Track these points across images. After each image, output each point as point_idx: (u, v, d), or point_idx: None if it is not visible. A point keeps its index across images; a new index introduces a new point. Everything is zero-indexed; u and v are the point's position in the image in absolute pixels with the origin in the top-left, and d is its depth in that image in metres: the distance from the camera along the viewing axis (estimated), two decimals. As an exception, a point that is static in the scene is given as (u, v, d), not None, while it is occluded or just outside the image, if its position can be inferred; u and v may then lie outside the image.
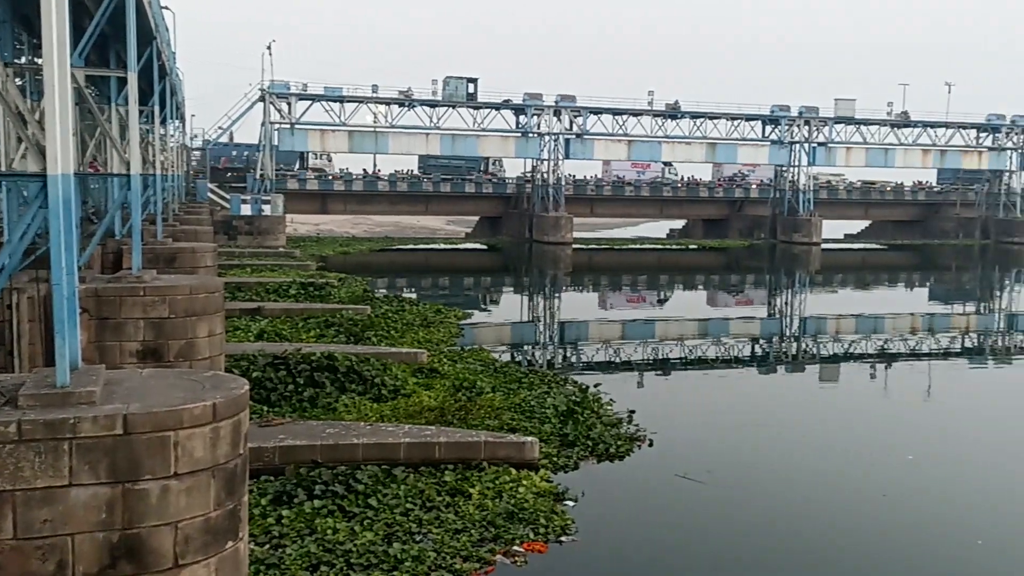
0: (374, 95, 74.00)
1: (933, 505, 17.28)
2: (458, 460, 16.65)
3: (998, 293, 60.53)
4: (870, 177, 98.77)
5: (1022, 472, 19.83)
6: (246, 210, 63.10)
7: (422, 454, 16.63)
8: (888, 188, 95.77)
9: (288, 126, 71.74)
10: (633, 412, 21.48)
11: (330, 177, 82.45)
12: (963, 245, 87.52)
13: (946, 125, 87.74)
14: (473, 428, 18.50)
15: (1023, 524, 16.69)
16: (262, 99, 69.90)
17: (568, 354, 33.18)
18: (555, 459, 17.80)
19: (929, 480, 18.78)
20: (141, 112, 23.79)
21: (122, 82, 22.90)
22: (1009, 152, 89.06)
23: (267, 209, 63.75)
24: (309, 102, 72.53)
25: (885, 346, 36.03)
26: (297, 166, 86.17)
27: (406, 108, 74.87)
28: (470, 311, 40.62)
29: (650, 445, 19.50)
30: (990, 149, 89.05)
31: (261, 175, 69.65)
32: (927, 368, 32.17)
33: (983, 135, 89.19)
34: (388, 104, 74.59)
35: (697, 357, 32.61)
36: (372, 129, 75.34)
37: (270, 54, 69.84)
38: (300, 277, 42.27)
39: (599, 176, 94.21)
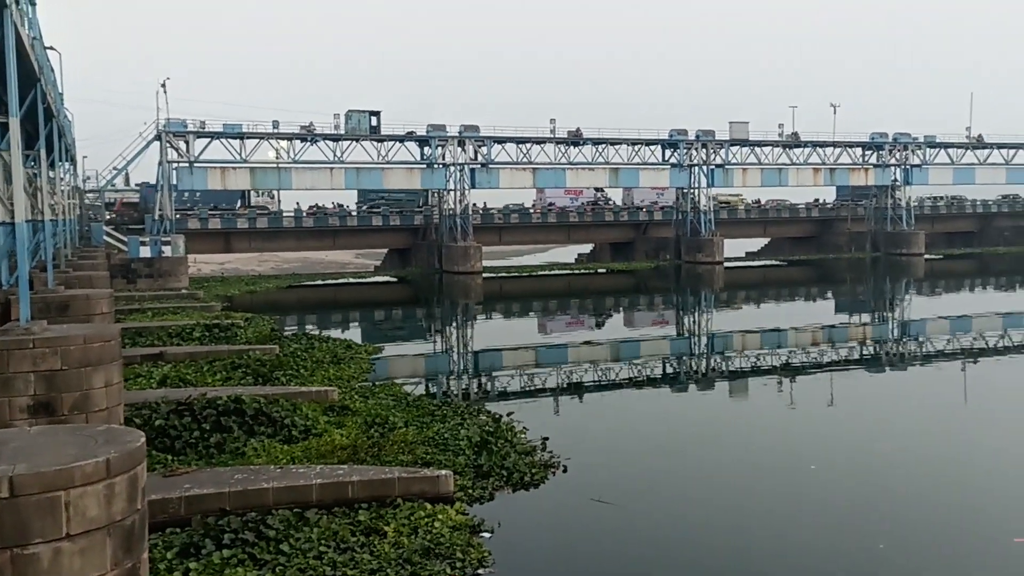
0: (275, 131, 73.07)
1: (836, 513, 17.84)
2: (372, 498, 16.41)
3: (890, 303, 63.27)
4: (770, 196, 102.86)
5: (925, 475, 20.66)
6: (145, 252, 61.23)
7: (335, 494, 16.33)
8: (785, 206, 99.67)
9: (187, 164, 70.13)
10: (547, 439, 21.59)
11: (272, 214, 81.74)
12: (855, 258, 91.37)
13: (833, 144, 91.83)
14: (387, 465, 18.28)
15: (927, 526, 17.36)
16: (158, 138, 68.21)
17: (482, 384, 33.14)
18: (470, 491, 17.73)
19: (832, 488, 19.40)
20: (27, 156, 22.94)
21: (4, 127, 22.04)
22: (893, 168, 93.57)
23: (167, 250, 62.00)
24: (208, 139, 71.18)
25: (789, 359, 37.23)
26: (239, 204, 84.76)
27: (308, 143, 74.18)
28: (381, 345, 40.23)
29: (564, 471, 19.62)
30: (875, 166, 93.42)
31: (160, 215, 67.79)
32: (829, 379, 33.32)
33: (868, 153, 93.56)
34: (290, 140, 73.78)
35: (611, 380, 33.02)
36: (275, 165, 74.32)
37: (165, 92, 68.30)
38: (204, 319, 41.15)
39: (531, 204, 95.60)
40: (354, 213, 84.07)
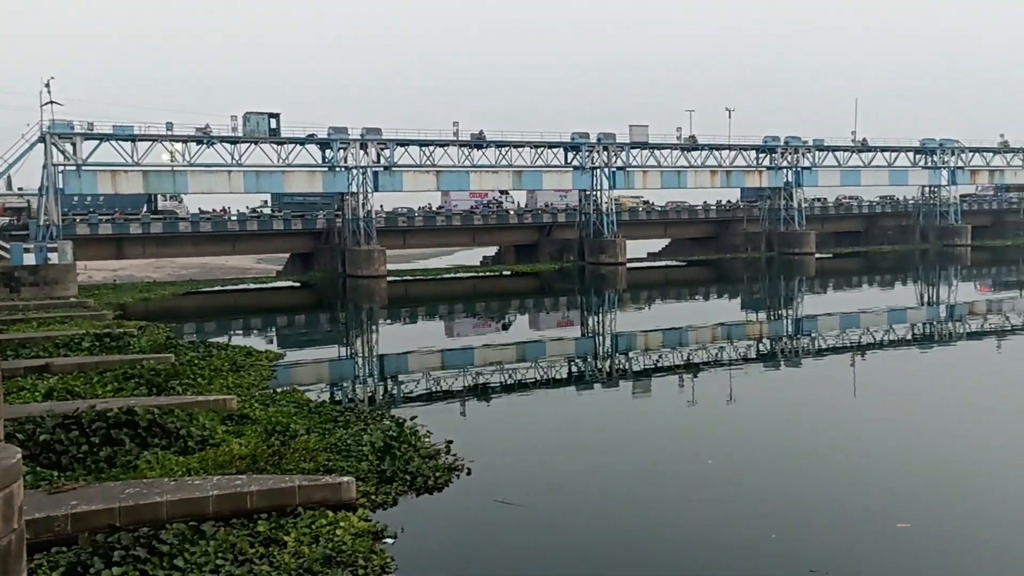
0: (169, 133, 70.75)
1: (732, 505, 18.36)
2: (272, 508, 16.03)
3: (784, 301, 65.53)
4: (670, 198, 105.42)
5: (817, 465, 21.44)
6: (29, 259, 58.41)
7: (233, 505, 15.88)
8: (684, 207, 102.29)
9: (74, 168, 67.19)
10: (451, 442, 21.54)
11: (171, 219, 78.78)
12: (751, 258, 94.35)
13: (729, 147, 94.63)
14: (288, 473, 17.90)
15: (818, 514, 18.00)
16: (42, 140, 65.17)
17: (387, 388, 32.84)
18: (373, 497, 17.53)
19: (728, 482, 19.95)
20: None
21: None
22: (785, 170, 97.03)
23: (54, 257, 59.29)
24: (97, 142, 68.40)
25: (690, 357, 38.15)
26: (144, 209, 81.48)
27: (205, 145, 72.10)
28: (283, 351, 39.42)
29: (468, 474, 19.60)
30: (768, 168, 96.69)
31: (46, 221, 64.78)
32: (728, 375, 34.25)
33: (762, 155, 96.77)
34: (185, 142, 71.55)
35: (517, 381, 33.16)
36: (169, 169, 71.94)
37: (49, 92, 65.14)
38: (94, 328, 39.50)
39: (437, 206, 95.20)
40: (255, 216, 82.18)
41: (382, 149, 78.96)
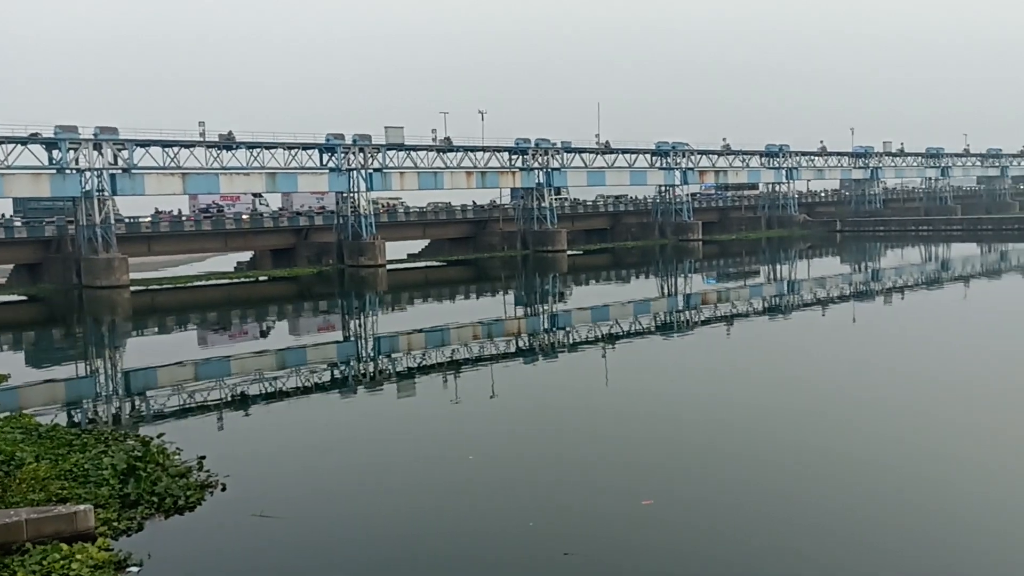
0: None
1: (489, 500, 18.81)
2: (-6, 548, 14.36)
3: (539, 297, 68.19)
4: (430, 199, 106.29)
5: (575, 456, 22.44)
6: None
7: (-55, 550, 14.06)
8: (430, 209, 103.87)
9: None
10: (203, 458, 20.40)
11: None
12: (508, 256, 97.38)
13: (483, 149, 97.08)
14: (13, 506, 16.11)
15: (570, 501, 18.82)
16: None
17: (134, 405, 30.56)
18: (116, 524, 16.22)
19: (486, 478, 20.44)
20: None
21: None
22: (537, 171, 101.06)
23: None
24: None
25: (453, 355, 38.67)
26: None
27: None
28: (5, 374, 35.46)
29: (223, 489, 18.66)
30: (521, 169, 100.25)
31: None
32: (489, 371, 35.07)
33: (515, 157, 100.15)
34: None
35: (276, 390, 32.02)
36: None
37: None
38: None
39: (185, 211, 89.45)
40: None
41: (119, 150, 73.32)
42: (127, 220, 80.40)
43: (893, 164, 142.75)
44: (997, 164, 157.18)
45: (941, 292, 60.24)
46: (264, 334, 52.04)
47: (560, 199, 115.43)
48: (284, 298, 71.34)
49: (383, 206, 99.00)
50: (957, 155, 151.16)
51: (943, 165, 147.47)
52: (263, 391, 32.04)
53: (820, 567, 14.98)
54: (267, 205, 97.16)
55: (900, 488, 18.81)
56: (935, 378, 30.95)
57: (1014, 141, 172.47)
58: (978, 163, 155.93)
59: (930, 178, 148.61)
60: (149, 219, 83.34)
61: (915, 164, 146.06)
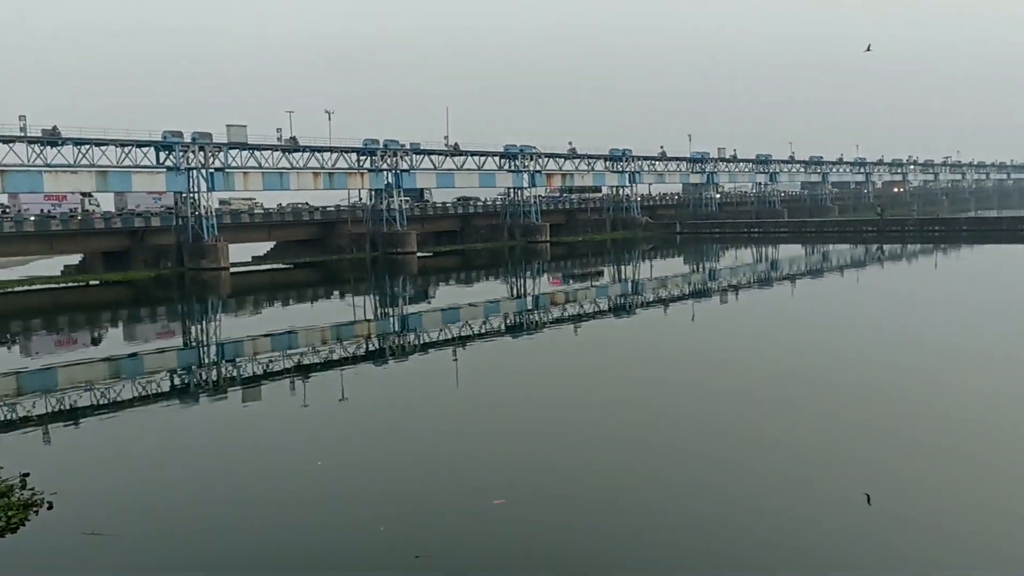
0: None
1: (338, 504, 18.51)
2: None
3: (389, 299, 67.67)
4: (278, 200, 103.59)
5: (426, 458, 22.36)
6: None
7: None
8: (288, 210, 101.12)
9: None
10: (27, 475, 18.99)
11: None
12: (357, 258, 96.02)
13: (331, 149, 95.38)
14: None
15: (422, 503, 18.79)
16: None
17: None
18: (-75, 552, 14.84)
19: (333, 484, 20.10)
20: None
21: None
22: (385, 172, 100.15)
23: None
24: None
25: (301, 359, 37.72)
26: None
27: None
28: None
29: (50, 508, 17.45)
30: (369, 170, 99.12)
31: None
32: (339, 375, 34.44)
33: (363, 158, 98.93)
34: None
35: (109, 400, 30.26)
36: None
37: None
38: None
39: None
40: None
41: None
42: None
43: (727, 169, 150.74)
44: (819, 171, 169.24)
45: (771, 291, 63.97)
46: (96, 341, 49.09)
47: (423, 202, 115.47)
48: (118, 303, 67.52)
49: (240, 208, 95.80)
50: (784, 161, 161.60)
51: (771, 171, 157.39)
52: (95, 402, 30.20)
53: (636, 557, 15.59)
54: (98, 205, 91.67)
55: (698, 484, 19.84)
56: (767, 368, 32.88)
57: (834, 150, 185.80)
58: (802, 169, 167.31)
59: (760, 183, 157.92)
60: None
61: (747, 170, 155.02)
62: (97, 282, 78.47)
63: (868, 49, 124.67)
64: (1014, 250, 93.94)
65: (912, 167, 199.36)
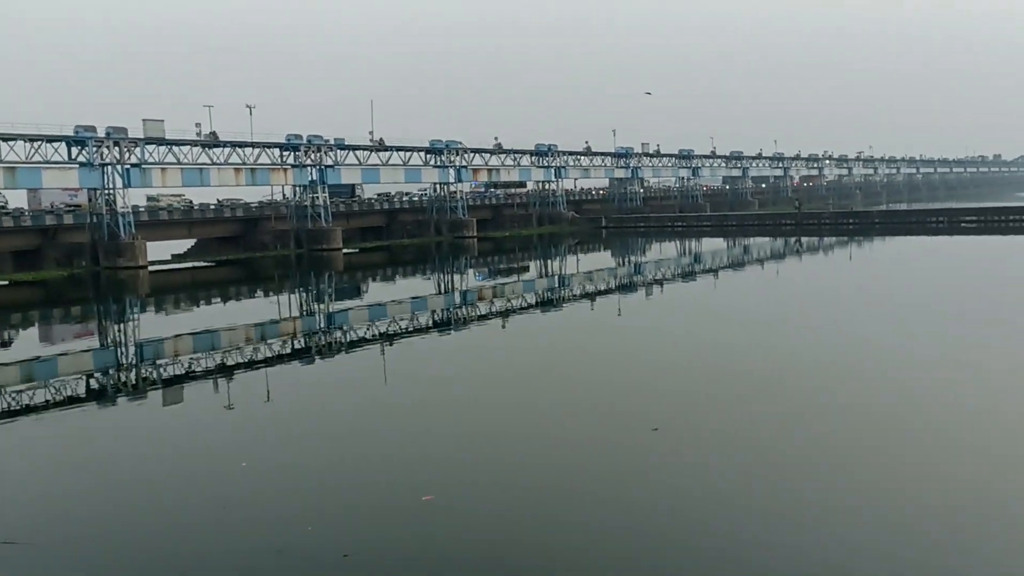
0: None
1: (269, 508, 18.25)
2: None
3: (313, 297, 66.76)
4: (197, 196, 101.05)
5: (356, 456, 22.18)
6: None
7: None
8: (223, 207, 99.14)
9: None
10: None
11: None
12: (281, 255, 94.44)
13: (252, 145, 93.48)
14: None
15: (353, 503, 18.65)
16: None
17: None
18: None
19: (257, 486, 19.81)
20: None
21: None
22: (309, 168, 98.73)
23: None
24: None
25: (224, 359, 36.96)
26: None
27: None
28: None
29: (-41, 519, 16.78)
30: (293, 166, 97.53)
31: None
32: (264, 375, 33.88)
33: (286, 153, 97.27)
34: None
35: (21, 405, 29.17)
36: None
37: None
38: None
39: None
40: None
41: None
42: None
43: (651, 164, 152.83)
44: (739, 165, 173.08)
45: (695, 284, 65.24)
46: (5, 344, 47.26)
47: (355, 199, 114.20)
48: (29, 304, 65.08)
49: (170, 204, 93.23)
50: (706, 156, 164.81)
51: (694, 166, 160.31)
52: (5, 407, 29.09)
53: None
54: (6, 202, 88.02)
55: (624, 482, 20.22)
56: (690, 364, 33.56)
57: (754, 145, 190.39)
58: (723, 164, 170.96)
59: (683, 178, 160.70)
60: None
61: (670, 164, 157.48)
62: (6, 282, 75.42)
63: (648, 94, 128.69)
64: (923, 242, 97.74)
65: (828, 162, 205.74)
